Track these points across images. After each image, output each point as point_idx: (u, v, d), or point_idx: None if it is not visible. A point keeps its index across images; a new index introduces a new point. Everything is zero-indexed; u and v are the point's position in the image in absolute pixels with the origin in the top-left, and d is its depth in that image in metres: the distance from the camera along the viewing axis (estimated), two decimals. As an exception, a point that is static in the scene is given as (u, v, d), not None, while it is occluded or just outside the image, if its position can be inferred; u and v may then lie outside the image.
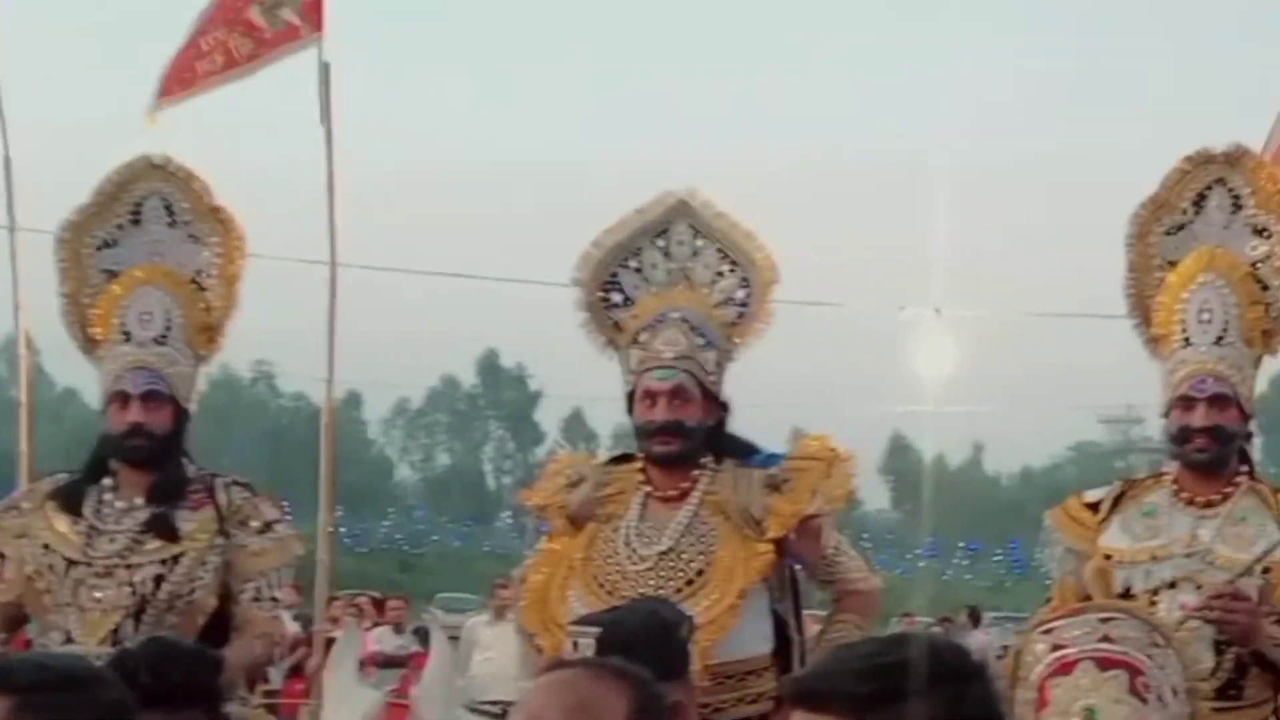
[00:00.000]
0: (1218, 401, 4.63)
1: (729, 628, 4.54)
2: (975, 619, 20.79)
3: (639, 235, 4.97)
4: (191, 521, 4.80)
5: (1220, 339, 4.68)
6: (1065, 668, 2.34)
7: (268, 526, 4.87)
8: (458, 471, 78.24)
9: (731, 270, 4.92)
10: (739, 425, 4.96)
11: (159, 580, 4.72)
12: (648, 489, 4.77)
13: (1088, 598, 4.62)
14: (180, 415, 4.88)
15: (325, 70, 6.52)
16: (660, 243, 4.96)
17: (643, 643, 3.27)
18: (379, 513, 61.26)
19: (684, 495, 4.73)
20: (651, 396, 4.72)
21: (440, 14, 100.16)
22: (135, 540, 4.76)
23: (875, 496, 73.36)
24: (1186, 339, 4.71)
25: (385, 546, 59.78)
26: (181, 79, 6.69)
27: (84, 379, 5.24)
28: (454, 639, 15.76)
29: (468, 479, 74.06)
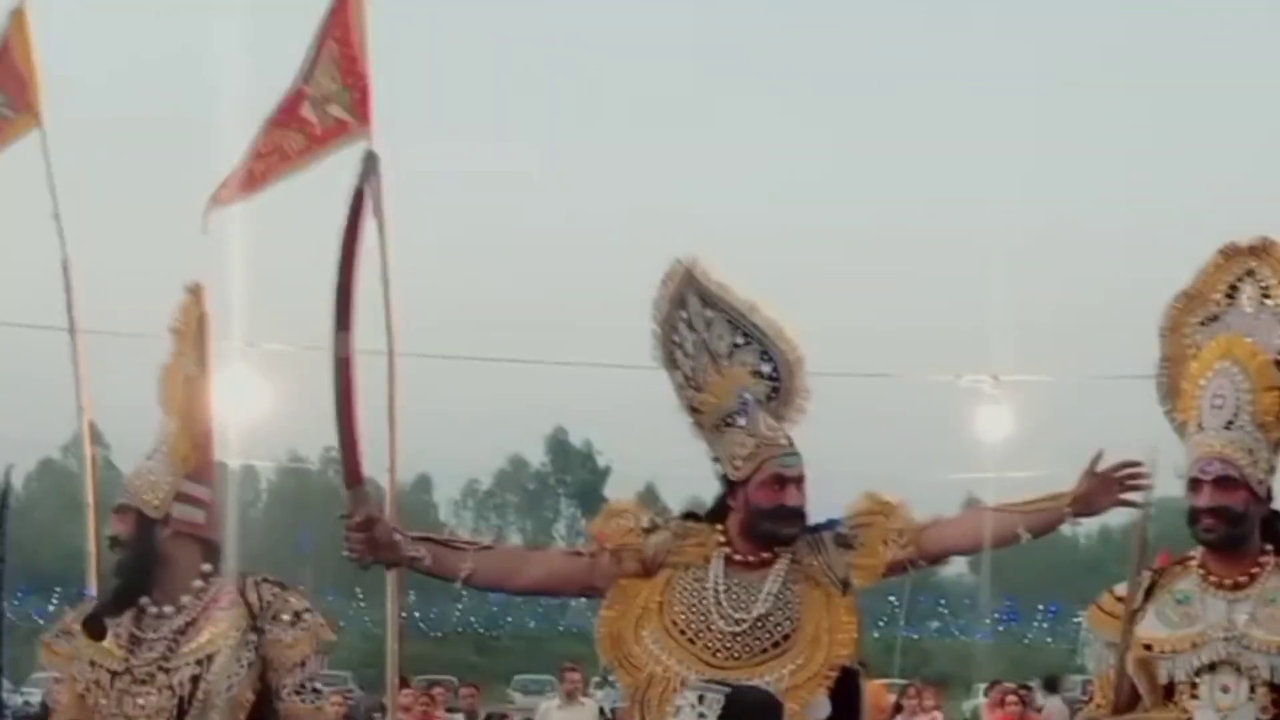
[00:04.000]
0: (1223, 483, 4.70)
1: (815, 693, 4.71)
2: (1052, 686, 20.67)
3: (671, 309, 5.10)
4: (223, 621, 4.94)
5: (1230, 423, 4.76)
6: None
7: (297, 617, 5.01)
8: (530, 551, 78.19)
9: (746, 343, 5.07)
10: (817, 495, 5.11)
11: (195, 680, 4.87)
12: (728, 550, 4.94)
13: (1132, 688, 4.75)
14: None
15: (374, 162, 6.57)
16: (683, 314, 5.09)
17: (761, 716, 3.37)
18: (453, 595, 61.28)
19: (765, 564, 4.92)
20: (781, 481, 4.91)
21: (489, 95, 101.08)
22: (171, 645, 4.92)
23: (953, 561, 72.76)
24: (1200, 424, 4.80)
25: (460, 630, 59.78)
26: (240, 182, 6.81)
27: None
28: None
29: (540, 559, 73.95)
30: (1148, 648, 4.73)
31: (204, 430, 5.15)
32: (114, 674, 4.92)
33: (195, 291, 5.23)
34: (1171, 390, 4.98)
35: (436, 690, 15.70)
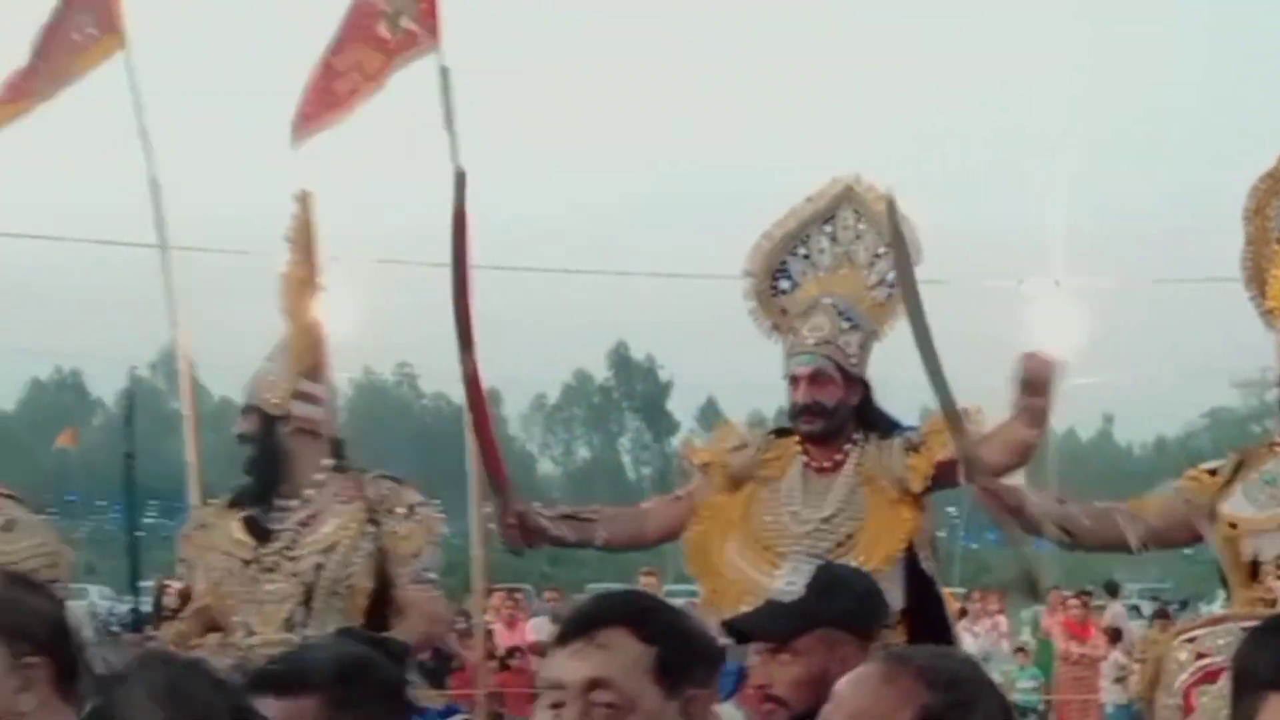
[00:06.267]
0: None
1: None
2: (1113, 591, 20.63)
3: (808, 223, 5.24)
4: (344, 513, 5.09)
5: None
6: (1210, 676, 2.30)
7: (411, 510, 5.15)
8: (597, 464, 78.40)
9: (887, 252, 5.11)
10: (883, 403, 5.23)
11: (319, 568, 5.02)
12: (804, 459, 5.11)
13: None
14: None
15: (445, 75, 6.51)
16: (828, 228, 5.23)
17: (850, 590, 3.46)
18: (525, 507, 61.35)
19: (837, 467, 5.08)
20: (795, 380, 5.05)
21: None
22: (295, 535, 5.08)
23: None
24: None
25: (533, 541, 59.94)
26: (324, 102, 6.71)
27: (238, 390, 5.47)
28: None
29: (607, 471, 74.17)
30: (1233, 526, 4.57)
31: (316, 331, 5.25)
32: (245, 562, 5.08)
33: (304, 200, 5.30)
34: (1255, 275, 4.81)
35: (518, 595, 15.90)
